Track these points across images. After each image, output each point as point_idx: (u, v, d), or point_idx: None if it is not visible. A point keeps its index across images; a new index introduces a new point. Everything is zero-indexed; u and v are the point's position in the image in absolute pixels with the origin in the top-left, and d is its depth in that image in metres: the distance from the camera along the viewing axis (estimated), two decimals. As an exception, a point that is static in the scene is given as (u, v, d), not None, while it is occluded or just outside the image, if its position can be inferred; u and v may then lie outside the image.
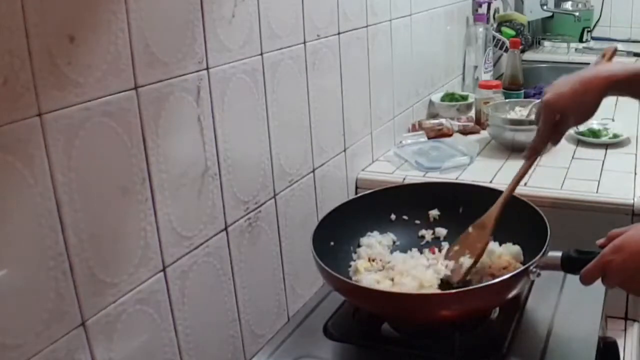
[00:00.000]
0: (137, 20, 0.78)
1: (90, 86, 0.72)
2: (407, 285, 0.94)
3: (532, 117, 1.58)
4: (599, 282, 1.01)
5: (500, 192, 1.09)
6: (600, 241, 0.87)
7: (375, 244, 1.05)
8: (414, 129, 1.71)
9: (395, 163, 1.52)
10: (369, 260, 1.02)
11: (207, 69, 0.91)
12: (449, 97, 1.89)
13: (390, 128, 1.61)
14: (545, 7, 2.84)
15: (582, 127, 1.67)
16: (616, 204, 1.26)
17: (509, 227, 1.02)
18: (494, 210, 0.98)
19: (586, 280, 0.85)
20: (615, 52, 1.01)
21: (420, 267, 0.98)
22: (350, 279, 0.98)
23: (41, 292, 0.69)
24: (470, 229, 1.00)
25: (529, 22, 2.62)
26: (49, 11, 0.67)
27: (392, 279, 0.96)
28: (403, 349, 0.91)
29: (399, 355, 0.91)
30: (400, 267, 0.98)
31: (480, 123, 1.76)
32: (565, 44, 2.89)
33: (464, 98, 1.89)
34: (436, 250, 1.05)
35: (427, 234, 1.10)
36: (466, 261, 0.95)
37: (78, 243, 0.73)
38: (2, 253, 0.64)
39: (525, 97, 1.90)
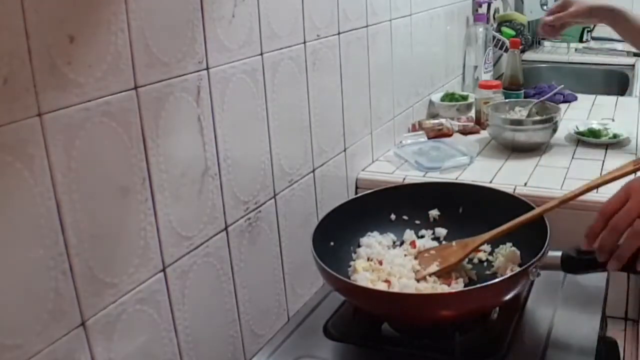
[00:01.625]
0: (137, 20, 0.78)
1: (90, 86, 0.72)
2: (406, 285, 0.94)
3: (533, 117, 1.60)
4: (599, 282, 1.01)
5: (500, 192, 1.09)
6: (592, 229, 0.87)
7: (375, 244, 1.05)
8: (414, 129, 1.71)
9: (395, 163, 1.52)
10: (369, 260, 1.02)
11: (207, 69, 0.91)
12: (449, 97, 1.89)
13: (390, 128, 1.61)
14: (545, 7, 2.84)
15: (582, 127, 1.68)
16: (616, 204, 1.26)
17: (509, 227, 1.02)
18: (482, 237, 0.99)
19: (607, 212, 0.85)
20: None
21: (405, 267, 0.99)
22: (350, 278, 0.98)
23: (41, 292, 0.69)
24: (453, 243, 1.02)
25: (529, 22, 2.62)
26: (48, 11, 0.67)
27: (386, 280, 0.96)
28: (403, 349, 0.91)
29: (399, 355, 0.91)
30: (388, 267, 0.98)
31: (480, 123, 1.76)
32: (565, 44, 2.89)
33: (464, 98, 1.89)
34: (417, 244, 1.05)
35: (427, 234, 1.10)
36: (433, 267, 0.98)
37: (78, 243, 0.73)
38: (1, 253, 0.64)
39: (525, 97, 1.90)
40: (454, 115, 1.82)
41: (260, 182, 1.07)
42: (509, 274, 0.92)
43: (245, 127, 1.02)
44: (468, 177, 1.41)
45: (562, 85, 1.96)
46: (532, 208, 0.99)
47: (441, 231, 1.09)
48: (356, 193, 1.42)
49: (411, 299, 0.88)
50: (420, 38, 1.74)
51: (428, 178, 1.42)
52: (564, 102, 2.01)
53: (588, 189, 1.00)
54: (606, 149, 1.57)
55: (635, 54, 2.66)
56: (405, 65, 1.66)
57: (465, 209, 1.10)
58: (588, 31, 2.97)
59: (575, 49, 2.84)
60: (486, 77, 2.14)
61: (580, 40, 2.93)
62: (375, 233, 1.08)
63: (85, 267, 0.74)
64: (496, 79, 2.19)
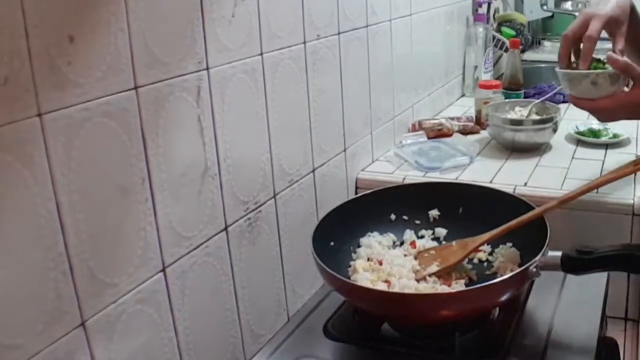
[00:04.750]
0: (137, 20, 0.78)
1: (90, 86, 0.72)
2: (406, 285, 0.94)
3: (533, 117, 1.60)
4: (599, 282, 1.01)
5: (500, 192, 1.09)
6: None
7: (374, 244, 1.05)
8: (414, 129, 1.71)
9: (395, 163, 1.52)
10: (369, 260, 1.02)
11: (207, 69, 0.91)
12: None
13: (390, 128, 1.61)
14: (545, 7, 2.84)
15: (582, 127, 1.68)
16: (616, 204, 1.26)
17: (509, 227, 1.02)
18: (482, 237, 0.99)
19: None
20: None
21: (405, 267, 0.99)
22: (350, 279, 0.98)
23: (41, 293, 0.69)
24: (453, 243, 1.02)
25: (529, 22, 2.62)
26: (48, 11, 0.67)
27: (386, 280, 0.96)
28: (403, 349, 0.91)
29: (399, 355, 0.91)
30: (388, 268, 0.98)
31: (480, 123, 1.76)
32: (565, 44, 2.88)
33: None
34: (417, 244, 1.06)
35: (427, 234, 1.10)
36: (433, 267, 0.98)
37: (78, 243, 0.73)
38: (1, 253, 0.64)
39: (525, 97, 1.90)
40: None
41: (260, 182, 1.07)
42: (509, 274, 0.92)
43: (245, 127, 1.02)
44: (468, 177, 1.41)
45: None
46: (532, 208, 0.99)
47: (441, 231, 1.09)
48: (356, 193, 1.42)
49: (411, 299, 0.88)
50: (420, 38, 1.74)
51: (428, 178, 1.42)
52: (564, 102, 2.01)
53: (588, 189, 1.00)
54: (606, 149, 1.57)
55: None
56: (405, 65, 1.66)
57: (465, 209, 1.10)
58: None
59: (575, 49, 2.84)
60: (486, 77, 2.14)
61: (580, 40, 2.93)
62: (375, 233, 1.08)
63: (85, 267, 0.74)
64: (496, 79, 2.19)
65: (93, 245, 0.75)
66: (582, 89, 1.10)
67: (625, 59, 1.06)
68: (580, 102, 1.12)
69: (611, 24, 1.11)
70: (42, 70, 0.66)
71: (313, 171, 1.24)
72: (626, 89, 1.10)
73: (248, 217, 1.05)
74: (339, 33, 1.28)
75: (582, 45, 1.10)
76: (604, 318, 0.98)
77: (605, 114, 1.13)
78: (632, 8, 1.14)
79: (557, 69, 1.15)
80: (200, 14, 0.89)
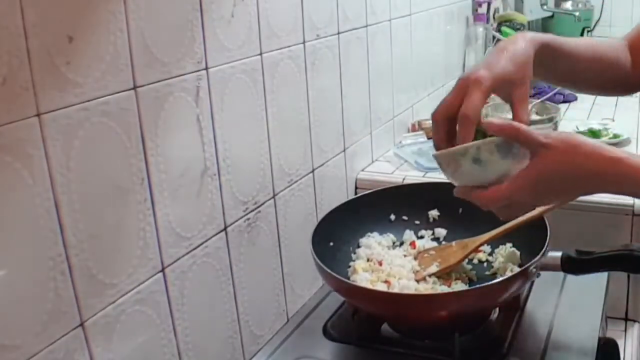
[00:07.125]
0: (136, 20, 0.78)
1: (89, 86, 0.72)
2: (406, 286, 0.94)
3: (533, 117, 1.60)
4: (599, 282, 1.01)
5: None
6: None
7: (374, 244, 1.05)
8: (413, 129, 1.71)
9: (394, 163, 1.52)
10: (368, 260, 1.02)
11: (206, 69, 0.91)
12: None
13: (390, 128, 1.61)
14: (545, 7, 2.84)
15: (583, 127, 1.67)
16: (616, 204, 1.26)
17: (508, 227, 1.02)
18: (482, 238, 0.99)
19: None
20: None
21: (405, 268, 0.99)
22: (349, 279, 0.97)
23: (40, 293, 0.69)
24: (453, 243, 1.01)
25: (529, 22, 2.61)
26: (47, 11, 0.66)
27: (386, 281, 0.96)
28: (403, 349, 0.91)
29: (399, 355, 0.91)
30: (388, 268, 0.98)
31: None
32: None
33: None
34: (417, 244, 1.05)
35: (427, 234, 1.09)
36: (433, 268, 0.97)
37: (77, 243, 0.73)
38: (0, 254, 0.64)
39: (525, 97, 1.90)
40: None
41: (260, 182, 1.07)
42: (509, 274, 0.92)
43: (244, 127, 1.02)
44: (468, 177, 1.41)
45: (562, 85, 1.96)
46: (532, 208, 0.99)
47: (441, 231, 1.09)
48: (355, 193, 1.42)
49: (411, 299, 0.88)
50: (420, 38, 1.74)
51: (428, 178, 1.42)
52: (564, 102, 2.01)
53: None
54: (606, 149, 1.56)
55: None
56: (405, 65, 1.66)
57: (465, 209, 1.09)
58: (588, 31, 2.96)
59: (575, 49, 2.83)
60: (486, 77, 2.14)
61: (580, 40, 2.93)
62: (375, 233, 1.08)
63: (84, 267, 0.74)
64: (496, 79, 2.19)
65: (92, 245, 0.74)
66: (465, 174, 0.78)
67: (512, 122, 0.74)
68: (469, 194, 0.77)
69: (503, 87, 0.78)
70: (41, 70, 0.66)
71: (312, 171, 1.24)
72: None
73: (247, 218, 1.05)
74: (338, 33, 1.28)
75: (457, 128, 0.79)
76: (604, 318, 0.98)
77: (504, 205, 0.75)
78: (545, 46, 0.82)
79: (432, 154, 0.87)
80: (199, 14, 0.89)
